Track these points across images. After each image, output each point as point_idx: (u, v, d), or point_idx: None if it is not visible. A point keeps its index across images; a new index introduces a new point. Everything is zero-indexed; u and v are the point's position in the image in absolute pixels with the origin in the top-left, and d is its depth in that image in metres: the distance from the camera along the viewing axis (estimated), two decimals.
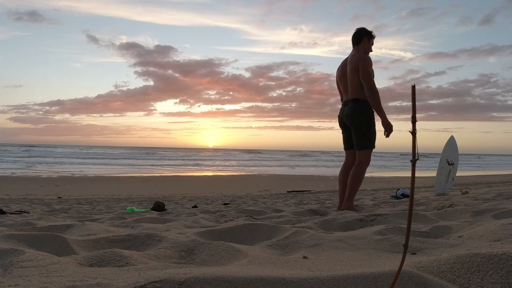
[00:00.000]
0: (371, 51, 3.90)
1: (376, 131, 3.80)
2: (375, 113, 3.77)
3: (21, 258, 1.23)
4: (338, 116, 3.97)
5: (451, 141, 6.99)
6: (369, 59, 3.73)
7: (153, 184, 15.12)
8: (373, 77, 3.75)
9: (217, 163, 38.18)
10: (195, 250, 1.54)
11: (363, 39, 3.85)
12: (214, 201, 7.91)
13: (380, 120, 3.65)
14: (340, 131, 4.07)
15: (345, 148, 4.04)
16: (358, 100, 3.71)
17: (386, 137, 3.69)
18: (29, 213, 5.02)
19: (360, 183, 3.77)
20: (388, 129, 3.65)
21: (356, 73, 3.70)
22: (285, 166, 33.71)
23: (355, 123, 3.73)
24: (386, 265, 1.19)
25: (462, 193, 6.28)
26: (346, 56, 3.99)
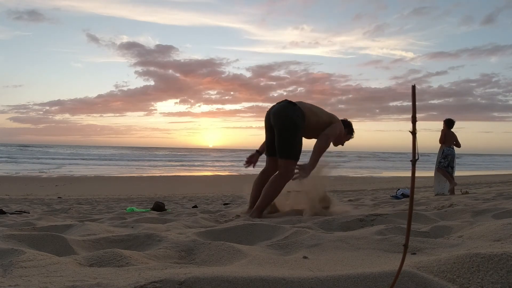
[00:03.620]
0: (346, 140, 3.74)
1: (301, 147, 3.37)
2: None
3: (21, 258, 1.23)
4: (266, 113, 3.48)
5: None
6: (342, 129, 3.51)
7: (153, 184, 15.13)
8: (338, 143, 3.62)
9: (217, 163, 38.19)
10: (195, 250, 1.54)
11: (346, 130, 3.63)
12: (214, 201, 7.91)
13: (311, 162, 3.24)
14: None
15: (266, 154, 3.57)
16: (291, 103, 3.29)
17: (293, 178, 3.21)
18: (29, 213, 5.02)
19: (275, 196, 3.31)
20: (303, 170, 3.17)
21: (323, 114, 3.42)
22: None
23: (282, 125, 3.23)
24: (386, 265, 1.19)
25: (462, 193, 6.29)
26: None
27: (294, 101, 3.35)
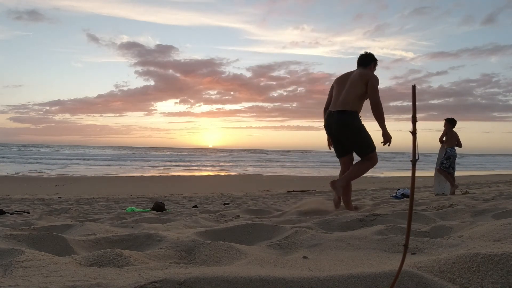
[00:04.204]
0: None
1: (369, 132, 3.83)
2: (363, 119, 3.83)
3: (21, 258, 1.23)
4: (325, 126, 3.97)
5: None
6: (378, 78, 3.84)
7: (153, 184, 15.13)
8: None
9: (217, 163, 38.19)
10: (195, 250, 1.54)
11: (371, 64, 3.97)
12: (214, 201, 7.91)
13: (381, 131, 3.77)
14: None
15: (338, 156, 4.01)
16: (344, 111, 3.73)
17: (383, 145, 3.81)
18: (29, 213, 5.02)
19: (361, 175, 3.87)
20: (387, 140, 3.78)
21: (359, 86, 3.76)
22: (285, 166, 33.74)
23: (348, 135, 3.77)
24: (386, 265, 1.19)
25: (462, 193, 6.29)
26: (347, 72, 4.04)
27: (343, 107, 3.73)
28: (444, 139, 7.18)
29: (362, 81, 3.76)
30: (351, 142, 3.80)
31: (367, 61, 3.98)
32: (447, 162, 7.02)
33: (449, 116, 7.27)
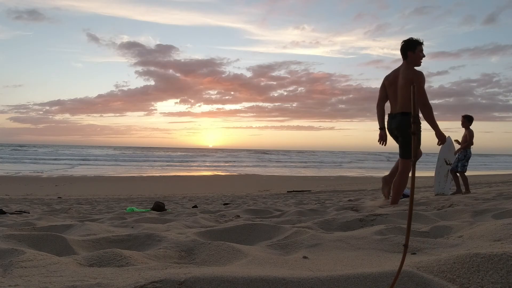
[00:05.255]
0: (423, 56, 4.06)
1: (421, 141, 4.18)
2: (422, 125, 4.09)
3: (21, 258, 1.23)
4: (387, 128, 4.23)
5: (448, 141, 7.02)
6: (423, 76, 3.99)
7: (153, 184, 15.13)
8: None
9: (217, 163, 38.18)
10: (195, 250, 1.54)
11: (408, 53, 4.03)
12: (214, 201, 7.91)
13: (434, 131, 4.08)
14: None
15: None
16: (407, 114, 4.02)
17: (438, 145, 4.18)
18: (29, 213, 5.02)
19: (403, 189, 4.34)
20: (442, 140, 4.12)
21: (407, 88, 3.94)
22: (285, 166, 33.73)
23: (404, 135, 4.06)
24: (386, 265, 1.19)
25: (462, 193, 6.29)
26: (395, 68, 4.20)
27: (405, 109, 4.00)
28: (465, 139, 6.90)
29: (409, 83, 3.92)
30: (405, 141, 4.09)
31: (404, 53, 4.06)
32: (468, 164, 6.89)
33: (467, 114, 6.97)
